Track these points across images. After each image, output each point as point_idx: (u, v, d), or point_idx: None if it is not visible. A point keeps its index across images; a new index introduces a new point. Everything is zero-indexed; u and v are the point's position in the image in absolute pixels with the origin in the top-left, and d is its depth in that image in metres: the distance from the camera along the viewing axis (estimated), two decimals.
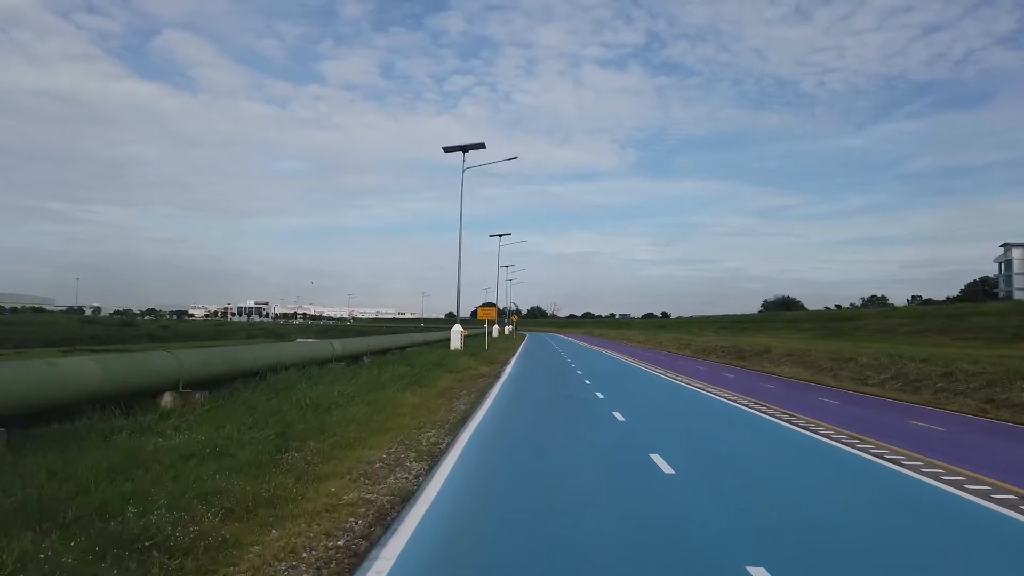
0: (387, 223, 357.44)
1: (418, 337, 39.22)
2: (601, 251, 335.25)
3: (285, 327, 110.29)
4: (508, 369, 28.34)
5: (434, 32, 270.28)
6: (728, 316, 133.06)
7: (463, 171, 33.77)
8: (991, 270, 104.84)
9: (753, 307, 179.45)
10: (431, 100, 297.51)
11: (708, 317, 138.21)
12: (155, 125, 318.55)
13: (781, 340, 52.60)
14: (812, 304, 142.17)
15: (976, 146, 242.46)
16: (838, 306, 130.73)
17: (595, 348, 58.38)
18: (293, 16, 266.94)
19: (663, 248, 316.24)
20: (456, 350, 32.31)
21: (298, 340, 27.93)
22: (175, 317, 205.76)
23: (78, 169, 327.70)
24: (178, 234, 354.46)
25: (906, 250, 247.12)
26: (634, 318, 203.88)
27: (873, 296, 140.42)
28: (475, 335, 56.75)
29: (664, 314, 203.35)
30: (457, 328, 34.99)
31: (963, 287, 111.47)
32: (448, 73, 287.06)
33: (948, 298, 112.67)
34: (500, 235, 56.74)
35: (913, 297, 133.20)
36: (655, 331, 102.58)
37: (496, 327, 79.31)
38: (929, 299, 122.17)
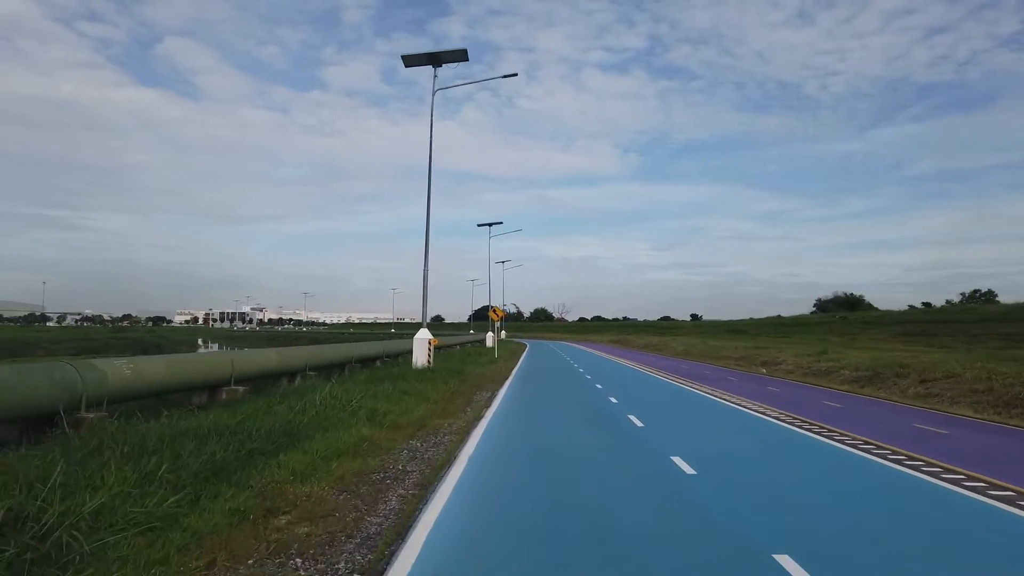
0: (388, 228, 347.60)
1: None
2: (605, 255, 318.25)
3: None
4: None
5: (436, 37, 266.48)
6: (784, 318, 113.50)
7: (433, 93, 25.89)
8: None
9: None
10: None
11: (757, 320, 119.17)
12: (157, 132, 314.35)
13: None
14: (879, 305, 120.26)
15: (979, 149, 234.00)
16: (926, 304, 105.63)
17: None
18: (295, 22, 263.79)
19: (665, 252, 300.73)
20: None
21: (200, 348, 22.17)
22: (152, 323, 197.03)
23: (79, 177, 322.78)
24: (178, 241, 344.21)
25: (908, 253, 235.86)
26: (641, 321, 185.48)
27: (976, 290, 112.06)
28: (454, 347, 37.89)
29: (694, 316, 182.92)
30: None
31: None
32: (451, 78, 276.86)
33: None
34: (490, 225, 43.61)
35: None
36: (733, 339, 71.02)
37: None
38: None
